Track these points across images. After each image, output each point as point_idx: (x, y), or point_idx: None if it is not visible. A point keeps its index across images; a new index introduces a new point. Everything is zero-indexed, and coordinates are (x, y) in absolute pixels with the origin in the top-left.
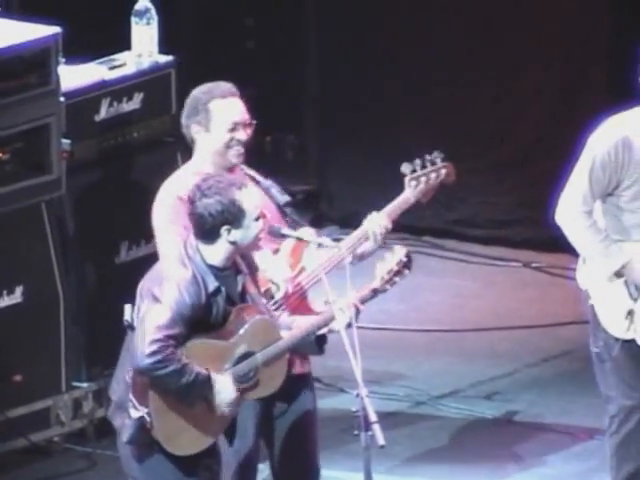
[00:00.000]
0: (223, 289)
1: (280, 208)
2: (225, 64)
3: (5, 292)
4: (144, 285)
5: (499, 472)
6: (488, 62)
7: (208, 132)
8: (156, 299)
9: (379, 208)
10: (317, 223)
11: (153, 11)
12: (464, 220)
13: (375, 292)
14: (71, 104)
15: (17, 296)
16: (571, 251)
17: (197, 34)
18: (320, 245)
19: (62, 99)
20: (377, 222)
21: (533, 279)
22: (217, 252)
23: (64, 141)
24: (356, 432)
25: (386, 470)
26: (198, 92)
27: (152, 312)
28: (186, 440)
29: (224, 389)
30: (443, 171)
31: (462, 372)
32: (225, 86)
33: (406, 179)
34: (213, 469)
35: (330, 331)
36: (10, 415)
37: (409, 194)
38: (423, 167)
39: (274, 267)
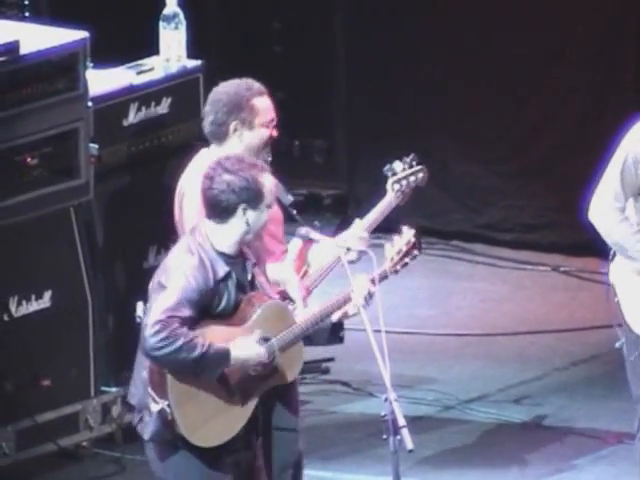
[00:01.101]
0: (234, 274)
1: (285, 208)
2: (253, 68)
3: (34, 297)
4: (153, 280)
5: (528, 476)
6: (518, 65)
7: (252, 129)
8: (162, 286)
9: (405, 212)
10: (345, 227)
11: (181, 16)
12: (493, 224)
13: (386, 273)
14: (99, 109)
15: (46, 301)
16: (600, 254)
17: (225, 38)
18: (349, 249)
19: (90, 104)
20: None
21: (562, 283)
22: (228, 234)
23: (92, 146)
24: (385, 436)
25: (415, 474)
26: (236, 89)
27: (158, 298)
28: (209, 431)
29: (248, 347)
30: (420, 175)
31: (491, 376)
32: (257, 84)
33: (389, 182)
34: (242, 466)
35: (345, 316)
36: (39, 420)
37: (391, 198)
38: (403, 169)
39: (290, 284)
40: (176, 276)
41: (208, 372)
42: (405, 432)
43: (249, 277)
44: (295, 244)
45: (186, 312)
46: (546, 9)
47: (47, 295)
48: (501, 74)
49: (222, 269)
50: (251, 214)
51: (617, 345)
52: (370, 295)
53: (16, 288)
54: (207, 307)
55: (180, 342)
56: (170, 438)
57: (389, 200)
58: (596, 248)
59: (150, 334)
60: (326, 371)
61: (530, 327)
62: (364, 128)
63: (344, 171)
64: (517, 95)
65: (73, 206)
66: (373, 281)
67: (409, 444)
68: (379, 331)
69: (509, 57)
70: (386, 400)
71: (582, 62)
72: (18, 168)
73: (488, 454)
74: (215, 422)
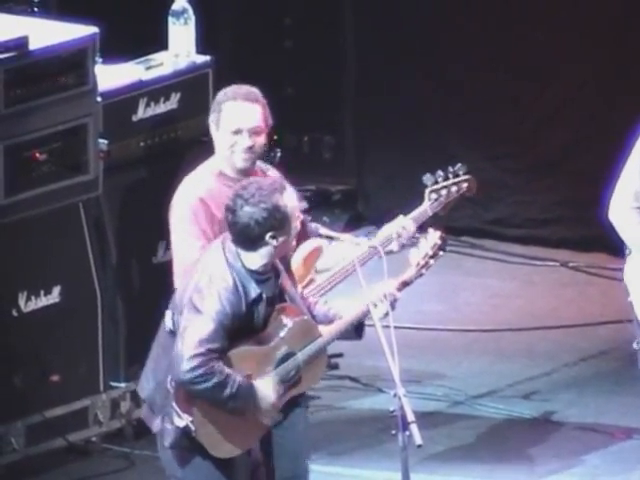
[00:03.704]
0: (264, 296)
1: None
2: (263, 64)
3: (43, 292)
4: (184, 294)
5: (537, 472)
6: (526, 61)
7: (218, 131)
8: (197, 310)
9: (416, 208)
10: (354, 223)
11: (190, 11)
12: (502, 220)
13: (411, 279)
14: (108, 104)
15: (55, 296)
16: (609, 250)
17: (234, 34)
18: (357, 245)
19: (99, 99)
20: (401, 226)
21: (571, 278)
22: (259, 257)
23: (101, 141)
24: (394, 432)
25: (424, 470)
26: (220, 92)
27: (193, 324)
28: (229, 445)
29: (267, 394)
30: (464, 185)
31: (500, 372)
32: (244, 90)
33: (426, 191)
34: (256, 470)
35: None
36: (48, 415)
37: (427, 207)
38: (445, 179)
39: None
40: (210, 299)
41: (234, 407)
42: (414, 427)
43: (277, 290)
44: (306, 246)
45: (221, 343)
46: (557, 6)
47: (56, 290)
48: (510, 70)
49: (254, 290)
50: (280, 238)
51: (635, 346)
52: (395, 301)
53: (25, 284)
54: (239, 326)
55: (215, 380)
56: (190, 446)
57: (423, 209)
58: (605, 244)
59: (186, 369)
60: (335, 366)
61: (539, 322)
62: (373, 124)
63: (353, 167)
64: (526, 91)
65: (82, 201)
66: (399, 288)
67: (418, 439)
68: (388, 327)
69: (519, 53)
70: (395, 395)
71: (591, 60)
72: (27, 163)
73: (497, 449)
74: (236, 435)
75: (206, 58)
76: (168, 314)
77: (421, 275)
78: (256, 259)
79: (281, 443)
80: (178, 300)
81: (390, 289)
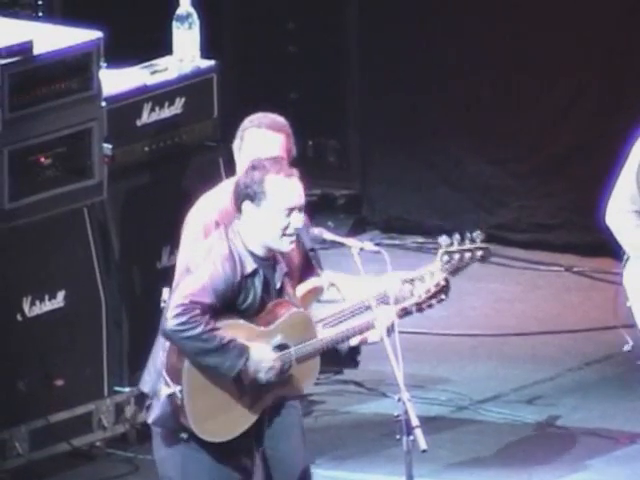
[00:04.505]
0: (262, 272)
1: (305, 252)
2: (267, 68)
3: (47, 297)
4: (181, 266)
5: (541, 477)
6: (530, 65)
7: (239, 158)
8: (189, 271)
9: (421, 212)
10: (359, 227)
11: (195, 16)
12: (506, 224)
13: (408, 310)
14: (113, 109)
15: (59, 301)
16: (613, 255)
17: (239, 38)
18: (362, 249)
19: (104, 104)
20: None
21: (575, 283)
22: (252, 231)
23: (106, 146)
24: (398, 436)
25: (428, 474)
26: (247, 118)
27: (185, 281)
28: (215, 426)
29: (263, 356)
30: (479, 253)
31: (504, 377)
32: (269, 118)
33: (439, 252)
34: (249, 471)
35: (365, 342)
36: (52, 420)
37: (437, 268)
38: (461, 242)
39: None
40: (204, 262)
41: (224, 368)
42: (418, 432)
43: (278, 284)
44: (306, 285)
45: (209, 299)
46: (559, 9)
47: (60, 295)
48: (515, 74)
49: (250, 265)
50: (253, 210)
51: (625, 348)
52: (393, 327)
53: (30, 288)
54: (232, 301)
55: (199, 329)
56: (173, 426)
57: (433, 269)
58: (609, 248)
59: (171, 316)
60: (339, 371)
61: (543, 327)
62: (377, 128)
63: (358, 171)
64: (531, 95)
65: (87, 206)
66: (398, 315)
67: (422, 444)
68: (392, 332)
69: (523, 57)
70: (399, 400)
71: (594, 64)
72: (32, 168)
73: (501, 454)
74: (222, 418)
75: (211, 63)
76: (165, 291)
77: (421, 310)
78: (250, 232)
79: (276, 456)
80: (177, 273)
81: (389, 313)
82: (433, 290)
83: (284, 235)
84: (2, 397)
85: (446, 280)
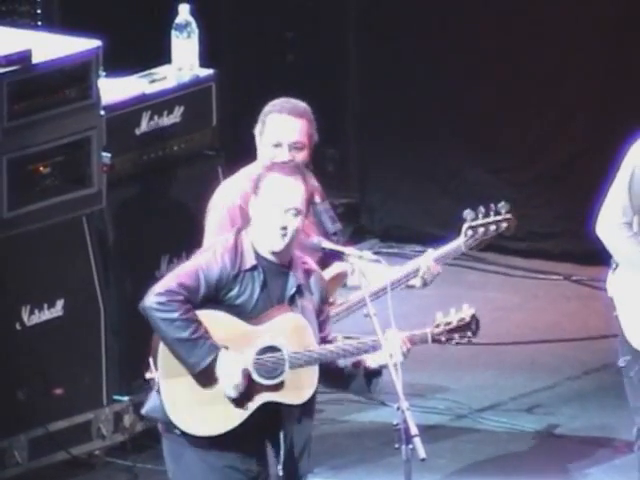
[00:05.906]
0: (262, 272)
1: (327, 235)
2: (265, 77)
3: (46, 306)
4: None
5: None
6: (527, 76)
7: (260, 143)
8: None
9: (419, 221)
10: (358, 236)
11: (194, 25)
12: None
13: (426, 337)
14: (111, 118)
15: (58, 309)
16: (611, 264)
17: (237, 47)
18: (361, 258)
19: (102, 113)
20: (427, 265)
21: (574, 292)
22: (254, 228)
23: (104, 154)
24: (397, 445)
25: None
26: (269, 103)
27: (178, 267)
28: (192, 417)
29: (228, 368)
30: (504, 224)
31: (503, 385)
32: (291, 103)
33: (464, 226)
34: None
35: (363, 364)
36: (51, 429)
37: (461, 243)
38: (486, 215)
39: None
40: (205, 253)
41: (190, 361)
42: (417, 441)
43: (291, 292)
44: (330, 270)
45: (198, 284)
46: (558, 20)
47: (59, 304)
48: (513, 85)
49: (250, 261)
50: (254, 203)
51: (620, 364)
52: (407, 352)
53: (28, 297)
54: (226, 293)
55: (175, 315)
56: (162, 418)
57: (457, 244)
58: (608, 257)
59: (154, 292)
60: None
61: (542, 336)
62: (376, 137)
63: (356, 180)
64: (529, 105)
65: (85, 215)
66: (412, 341)
67: (421, 453)
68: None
69: (522, 67)
70: (398, 409)
71: (592, 74)
72: (30, 177)
73: (500, 463)
74: (201, 411)
75: (209, 71)
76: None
77: (439, 342)
78: (256, 232)
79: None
80: None
81: (399, 338)
82: (455, 324)
83: (275, 233)
84: (1, 406)
85: (473, 317)
